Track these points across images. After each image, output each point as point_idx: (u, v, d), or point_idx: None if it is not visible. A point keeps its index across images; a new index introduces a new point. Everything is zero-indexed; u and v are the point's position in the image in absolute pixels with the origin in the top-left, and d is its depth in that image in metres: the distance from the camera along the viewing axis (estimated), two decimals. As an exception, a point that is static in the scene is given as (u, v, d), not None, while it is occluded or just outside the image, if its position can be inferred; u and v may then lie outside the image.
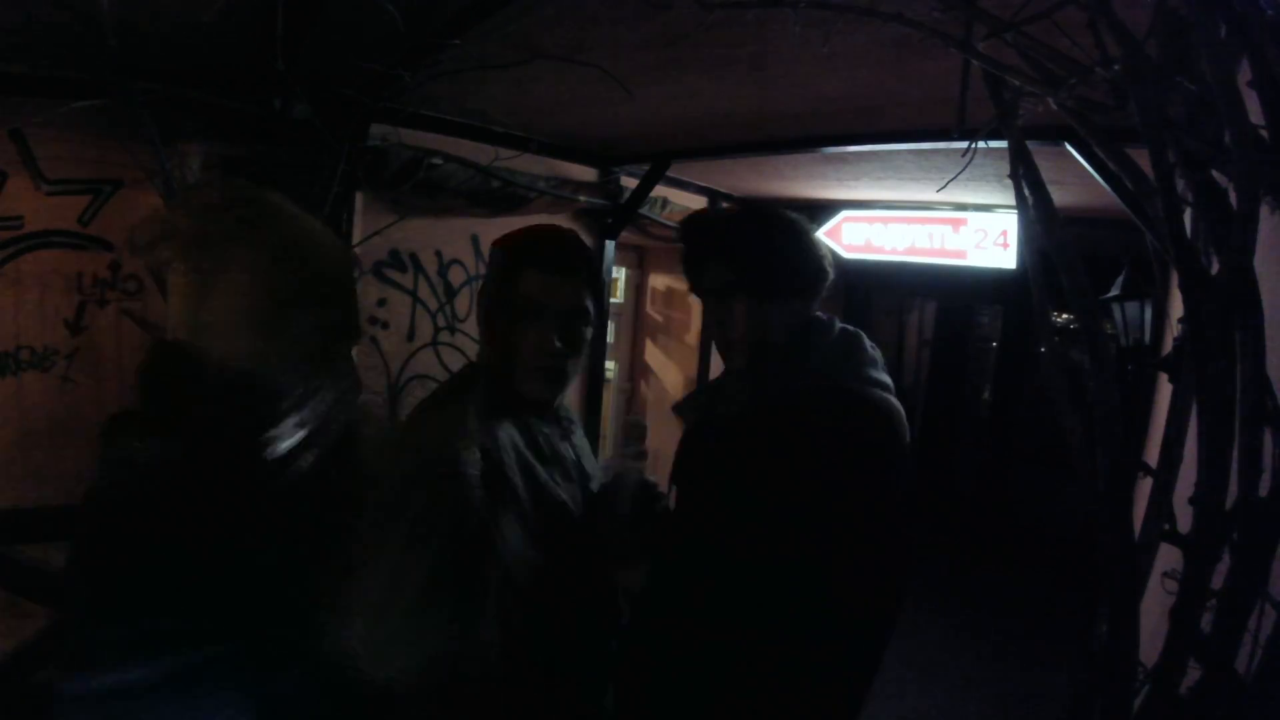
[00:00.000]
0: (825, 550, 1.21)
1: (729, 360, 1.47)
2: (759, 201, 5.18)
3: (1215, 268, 0.89)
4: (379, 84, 2.33)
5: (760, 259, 1.41)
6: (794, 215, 1.47)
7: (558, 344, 1.34)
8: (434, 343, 3.67)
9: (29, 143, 2.40)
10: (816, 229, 5.28)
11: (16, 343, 2.51)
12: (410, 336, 3.54)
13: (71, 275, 2.58)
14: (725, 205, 5.12)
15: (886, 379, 1.38)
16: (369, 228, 3.04)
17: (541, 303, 1.34)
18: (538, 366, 1.35)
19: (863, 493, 1.24)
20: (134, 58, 2.06)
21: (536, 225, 1.48)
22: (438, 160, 3.18)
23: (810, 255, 1.44)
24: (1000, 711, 3.60)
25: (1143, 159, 0.96)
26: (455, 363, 3.76)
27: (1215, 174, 0.91)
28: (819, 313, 1.46)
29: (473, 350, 3.82)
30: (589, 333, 1.43)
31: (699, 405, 1.51)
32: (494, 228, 3.72)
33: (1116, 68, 0.92)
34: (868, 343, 1.43)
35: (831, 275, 1.47)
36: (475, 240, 3.76)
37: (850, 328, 1.45)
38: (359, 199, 3.04)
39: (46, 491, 2.58)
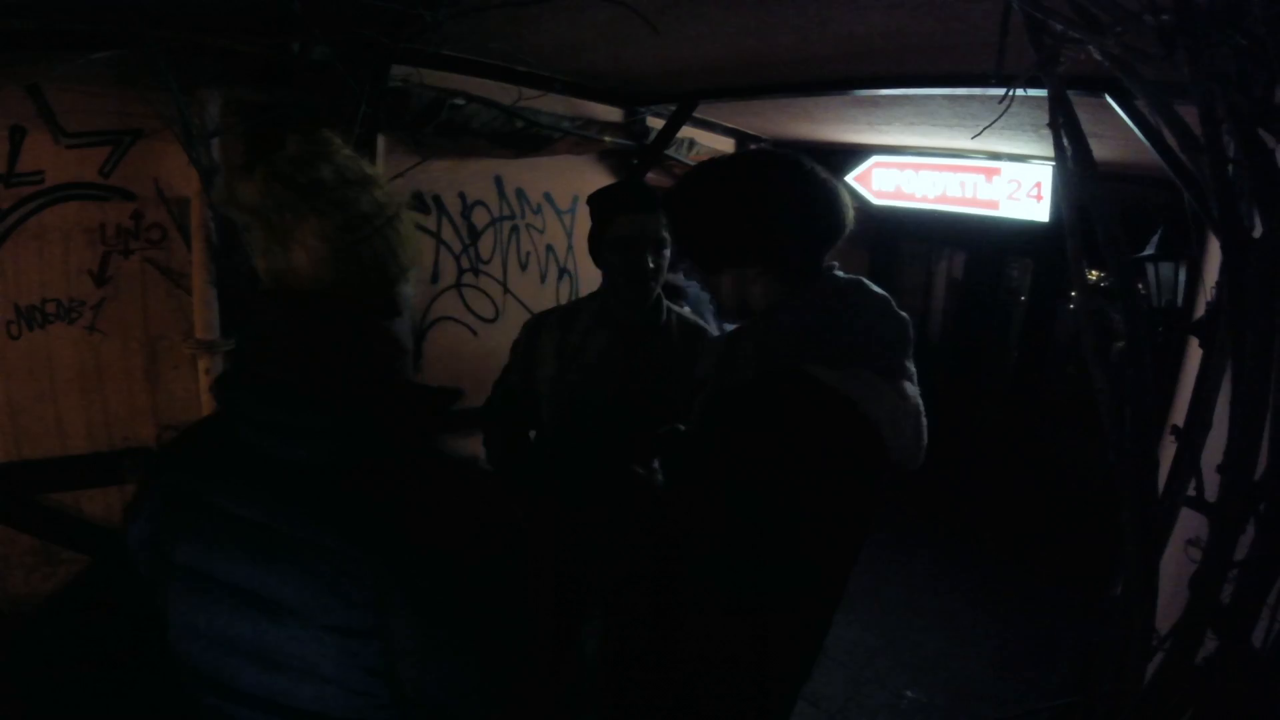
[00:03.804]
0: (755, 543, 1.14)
1: (727, 319, 1.45)
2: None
3: (1258, 231, 0.85)
4: (399, 24, 2.28)
5: (693, 233, 1.31)
6: (751, 170, 1.29)
7: (650, 265, 1.88)
8: (458, 284, 3.67)
9: (46, 97, 2.39)
10: (846, 174, 5.19)
11: (42, 296, 2.54)
12: (434, 279, 3.55)
13: (94, 227, 2.60)
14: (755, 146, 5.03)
15: (878, 349, 1.21)
16: (391, 170, 3.02)
17: (628, 237, 1.86)
18: (629, 283, 1.90)
19: (794, 496, 1.13)
20: (149, 6, 2.04)
21: (619, 180, 2.01)
22: (460, 101, 3.13)
23: (762, 222, 1.23)
24: (1008, 663, 3.65)
25: (1187, 115, 0.92)
26: (479, 305, 3.78)
27: (1262, 133, 0.87)
28: (831, 264, 1.36)
29: (497, 292, 3.84)
30: (668, 255, 1.92)
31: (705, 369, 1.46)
32: (518, 169, 3.74)
33: (1165, 16, 0.87)
34: (869, 300, 1.24)
35: (839, 228, 1.26)
36: (499, 181, 3.73)
37: (843, 283, 1.24)
38: (381, 141, 3.02)
39: (76, 442, 2.66)
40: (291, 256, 0.90)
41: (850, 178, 5.18)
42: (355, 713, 0.88)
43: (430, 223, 3.48)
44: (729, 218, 1.24)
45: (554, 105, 3.56)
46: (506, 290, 3.90)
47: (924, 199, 5.07)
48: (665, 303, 2.04)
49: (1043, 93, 1.07)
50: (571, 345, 2.03)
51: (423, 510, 0.86)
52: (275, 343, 0.92)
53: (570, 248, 4.20)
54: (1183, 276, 3.96)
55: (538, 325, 2.12)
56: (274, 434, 0.89)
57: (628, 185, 2.02)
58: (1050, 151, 1.02)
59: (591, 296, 2.11)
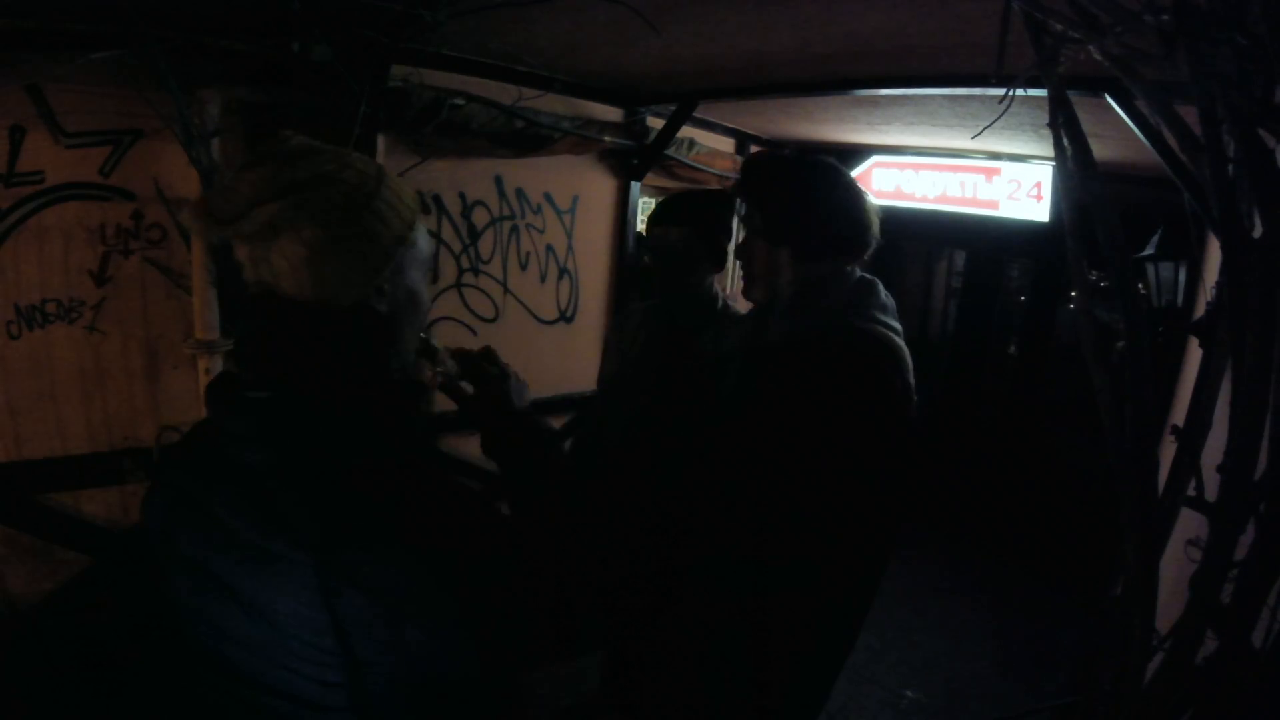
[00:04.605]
0: (829, 476, 1.31)
1: (748, 292, 1.59)
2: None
3: (1258, 231, 0.85)
4: (399, 24, 2.28)
5: (779, 210, 1.49)
6: (846, 178, 1.51)
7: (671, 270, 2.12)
8: (458, 284, 3.67)
9: (46, 97, 2.38)
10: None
11: (42, 295, 2.53)
12: (434, 278, 3.55)
13: (94, 227, 2.59)
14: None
15: (896, 324, 1.45)
16: (391, 170, 3.00)
17: (654, 247, 2.13)
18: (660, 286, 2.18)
19: (867, 418, 1.32)
20: (149, 6, 2.03)
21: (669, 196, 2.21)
22: (460, 101, 3.13)
23: (841, 220, 1.47)
24: (1008, 663, 3.65)
25: (1187, 115, 0.92)
26: (479, 305, 3.77)
27: (1262, 133, 0.87)
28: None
29: (497, 292, 3.84)
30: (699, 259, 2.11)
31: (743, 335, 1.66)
32: (518, 169, 3.74)
33: (1165, 16, 0.87)
34: (881, 290, 1.49)
35: (867, 243, 1.50)
36: (499, 181, 3.72)
37: (867, 275, 1.51)
38: (381, 141, 3.01)
39: (76, 442, 2.65)
40: (273, 263, 0.90)
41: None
42: (330, 710, 0.91)
43: (430, 223, 3.48)
44: (825, 212, 1.47)
45: (554, 105, 3.56)
46: (506, 290, 3.90)
47: (924, 199, 5.06)
48: (724, 303, 2.19)
49: (1043, 93, 1.07)
50: (625, 341, 2.29)
51: (388, 511, 0.86)
52: (252, 344, 0.93)
53: (570, 248, 4.19)
54: (1183, 276, 3.96)
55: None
56: (233, 440, 0.90)
57: (663, 201, 2.22)
58: (1050, 151, 1.02)
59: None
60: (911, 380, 1.40)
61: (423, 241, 1.04)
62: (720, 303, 2.17)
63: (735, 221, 2.20)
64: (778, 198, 1.50)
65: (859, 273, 1.51)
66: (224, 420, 0.92)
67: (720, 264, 2.16)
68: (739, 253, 1.60)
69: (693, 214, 2.10)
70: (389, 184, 0.98)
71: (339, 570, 0.83)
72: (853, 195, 1.49)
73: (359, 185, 0.94)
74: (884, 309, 1.46)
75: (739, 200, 1.70)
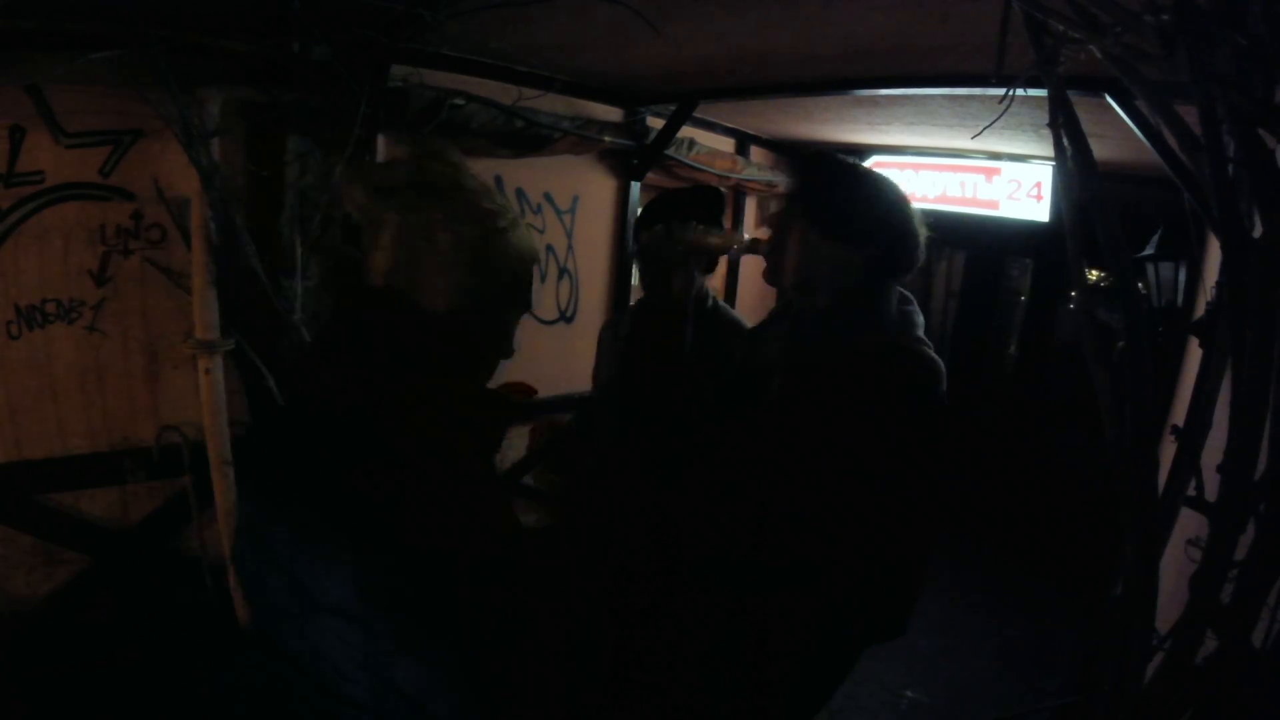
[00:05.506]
0: (907, 480, 1.37)
1: (776, 279, 1.59)
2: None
3: (1258, 231, 0.85)
4: (399, 24, 2.28)
5: (827, 198, 1.50)
6: (894, 186, 1.55)
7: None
8: (457, 285, 3.67)
9: (46, 97, 2.38)
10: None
11: (42, 296, 2.54)
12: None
13: (94, 227, 2.60)
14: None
15: (927, 339, 1.51)
16: (391, 169, 3.01)
17: (645, 246, 2.09)
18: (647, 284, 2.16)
19: (932, 434, 1.40)
20: (149, 6, 2.03)
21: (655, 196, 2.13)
22: (460, 101, 3.13)
23: (883, 216, 1.49)
24: (1008, 663, 3.65)
25: (1187, 115, 0.92)
26: (478, 306, 3.77)
27: (1262, 133, 0.87)
28: None
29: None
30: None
31: (778, 335, 1.65)
32: (518, 169, 3.73)
33: (1165, 16, 0.87)
34: (917, 308, 1.55)
35: (914, 252, 1.53)
36: (499, 181, 3.72)
37: (905, 292, 1.55)
38: (381, 141, 3.01)
39: (76, 442, 2.66)
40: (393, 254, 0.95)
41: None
42: (357, 700, 0.93)
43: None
44: (869, 206, 1.49)
45: (554, 105, 3.56)
46: (506, 290, 3.89)
47: (924, 199, 5.06)
48: (714, 303, 2.17)
49: (1043, 93, 1.07)
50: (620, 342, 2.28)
51: (409, 509, 0.89)
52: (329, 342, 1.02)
53: (570, 248, 4.19)
54: (1183, 276, 3.96)
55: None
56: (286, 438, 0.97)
57: (650, 202, 2.22)
58: (1050, 151, 1.02)
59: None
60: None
61: (527, 291, 1.10)
62: (710, 302, 2.14)
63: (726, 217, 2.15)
64: (863, 199, 1.50)
65: (898, 287, 1.53)
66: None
67: (708, 263, 2.12)
68: (773, 243, 1.59)
69: (675, 212, 2.05)
70: (522, 228, 1.06)
71: (372, 562, 0.87)
72: (889, 197, 1.53)
73: (499, 213, 1.01)
74: (921, 326, 1.52)
75: (798, 191, 1.64)
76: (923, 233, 1.54)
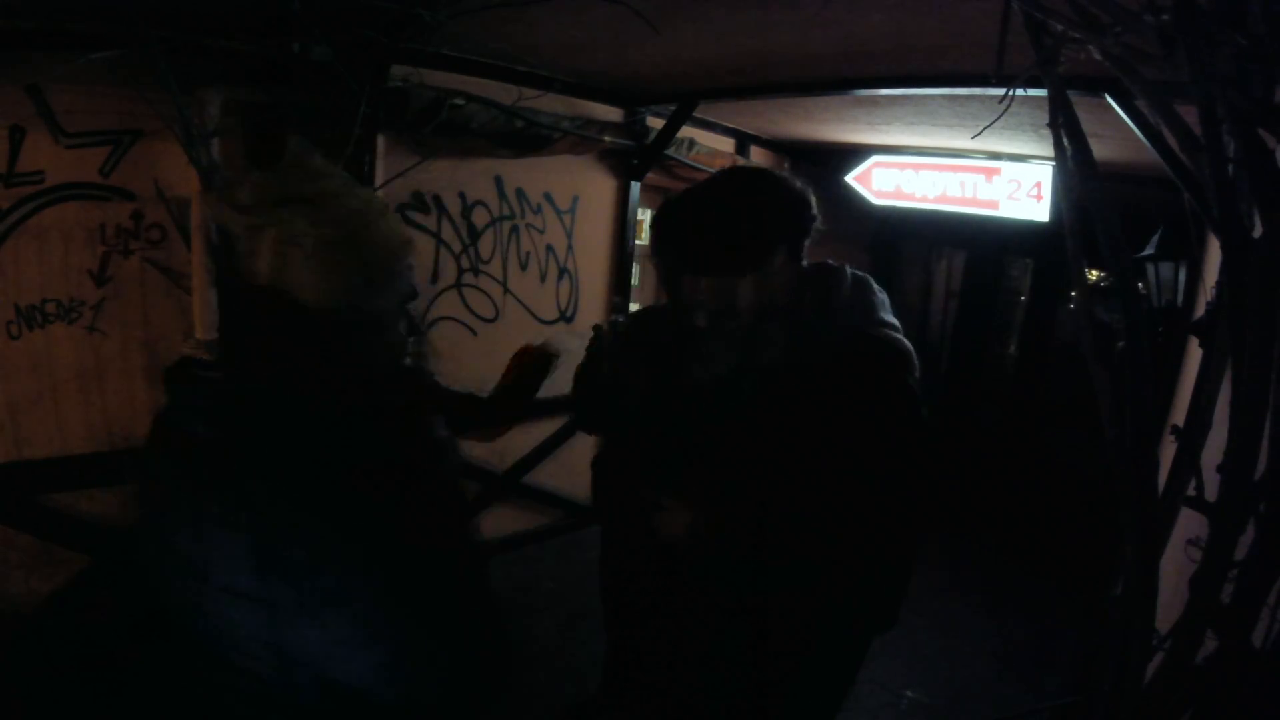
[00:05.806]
0: (891, 474, 1.38)
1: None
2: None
3: (1258, 231, 0.85)
4: (399, 24, 2.28)
5: (730, 228, 1.41)
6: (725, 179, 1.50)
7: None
8: (458, 284, 3.68)
9: (46, 97, 2.39)
10: (846, 174, 5.19)
11: (42, 296, 2.55)
12: (434, 279, 3.55)
13: (94, 227, 2.60)
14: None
15: (895, 320, 1.46)
16: (391, 170, 3.02)
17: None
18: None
19: (909, 424, 1.39)
20: (149, 6, 2.03)
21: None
22: (460, 101, 3.13)
23: (807, 206, 1.44)
24: (1008, 663, 3.65)
25: (1187, 115, 0.92)
26: (479, 305, 3.78)
27: (1262, 133, 0.86)
28: (828, 260, 1.48)
29: (497, 292, 3.84)
30: None
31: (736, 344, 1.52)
32: (518, 169, 3.74)
33: (1165, 16, 0.87)
34: (875, 286, 1.49)
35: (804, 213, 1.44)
36: (499, 181, 3.73)
37: (858, 273, 1.49)
38: (381, 141, 3.02)
39: (76, 442, 2.66)
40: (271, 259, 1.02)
41: (850, 178, 5.17)
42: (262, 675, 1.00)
43: (430, 223, 3.48)
44: (769, 210, 1.41)
45: (554, 105, 3.56)
46: (506, 290, 3.90)
47: (924, 199, 5.05)
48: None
49: (1043, 93, 1.07)
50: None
51: (295, 474, 0.98)
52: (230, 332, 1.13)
53: (570, 248, 4.19)
54: (1183, 276, 3.96)
55: None
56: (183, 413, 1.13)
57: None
58: (1050, 151, 1.02)
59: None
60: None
61: (403, 280, 1.15)
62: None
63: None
64: (773, 204, 1.43)
65: (849, 270, 1.47)
66: (176, 395, 1.13)
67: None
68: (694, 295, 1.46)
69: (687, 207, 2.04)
70: (389, 219, 1.13)
71: (266, 525, 0.95)
72: (745, 203, 1.44)
73: (364, 210, 1.08)
74: (884, 308, 1.47)
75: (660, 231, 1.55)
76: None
